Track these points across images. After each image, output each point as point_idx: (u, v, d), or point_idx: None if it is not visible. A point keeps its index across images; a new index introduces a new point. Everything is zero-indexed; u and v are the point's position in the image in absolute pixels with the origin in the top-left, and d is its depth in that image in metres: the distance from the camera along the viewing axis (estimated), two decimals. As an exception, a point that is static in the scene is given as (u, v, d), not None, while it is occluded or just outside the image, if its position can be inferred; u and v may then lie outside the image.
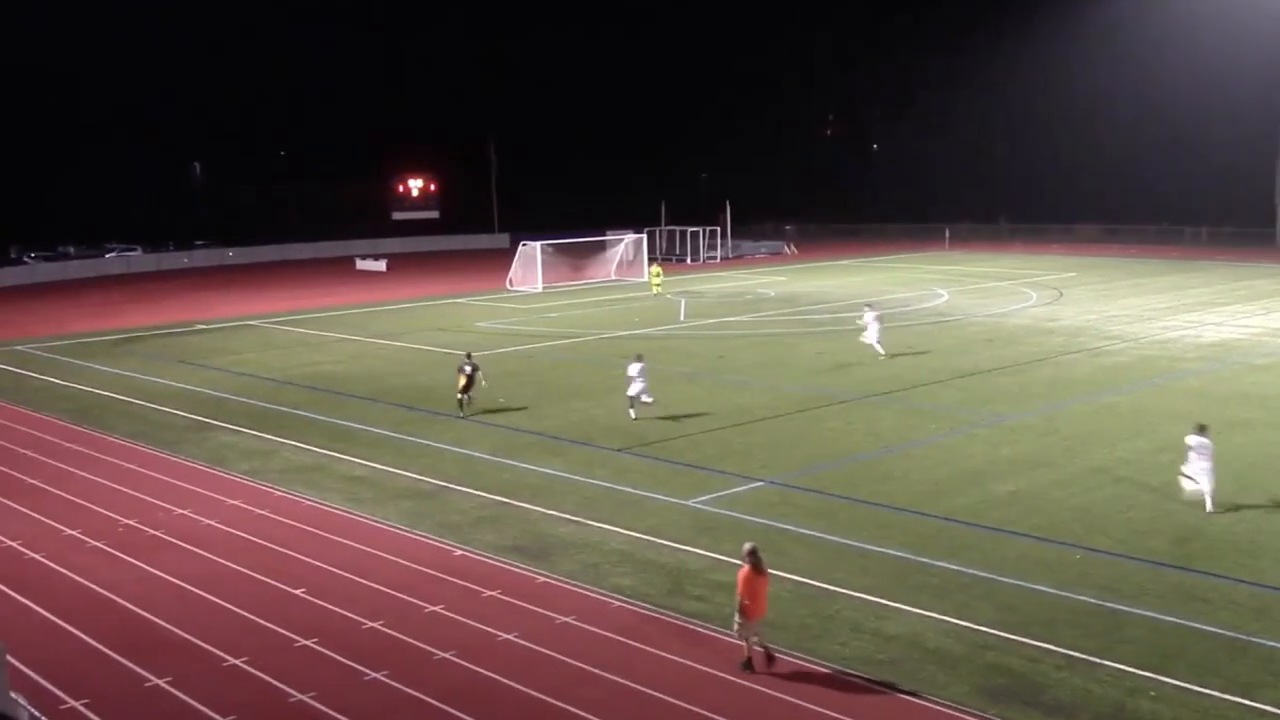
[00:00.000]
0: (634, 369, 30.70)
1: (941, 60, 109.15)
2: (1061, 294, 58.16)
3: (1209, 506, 21.87)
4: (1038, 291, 59.33)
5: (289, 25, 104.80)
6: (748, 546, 16.05)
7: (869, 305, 42.09)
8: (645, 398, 30.47)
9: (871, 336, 39.52)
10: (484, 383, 32.21)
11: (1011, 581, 18.46)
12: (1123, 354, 39.81)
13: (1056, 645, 16.01)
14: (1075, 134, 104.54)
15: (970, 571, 18.95)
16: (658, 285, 62.13)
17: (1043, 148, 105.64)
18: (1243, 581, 18.33)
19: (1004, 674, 15.26)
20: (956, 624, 16.85)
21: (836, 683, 15.18)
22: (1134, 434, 28.15)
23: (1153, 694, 14.57)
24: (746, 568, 15.71)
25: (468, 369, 32.21)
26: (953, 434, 28.63)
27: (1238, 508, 22.09)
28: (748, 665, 15.57)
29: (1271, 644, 15.97)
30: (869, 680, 15.16)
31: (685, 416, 30.96)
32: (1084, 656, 15.66)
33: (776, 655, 15.75)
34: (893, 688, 14.93)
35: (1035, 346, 41.59)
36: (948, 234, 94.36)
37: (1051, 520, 21.56)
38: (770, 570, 16.03)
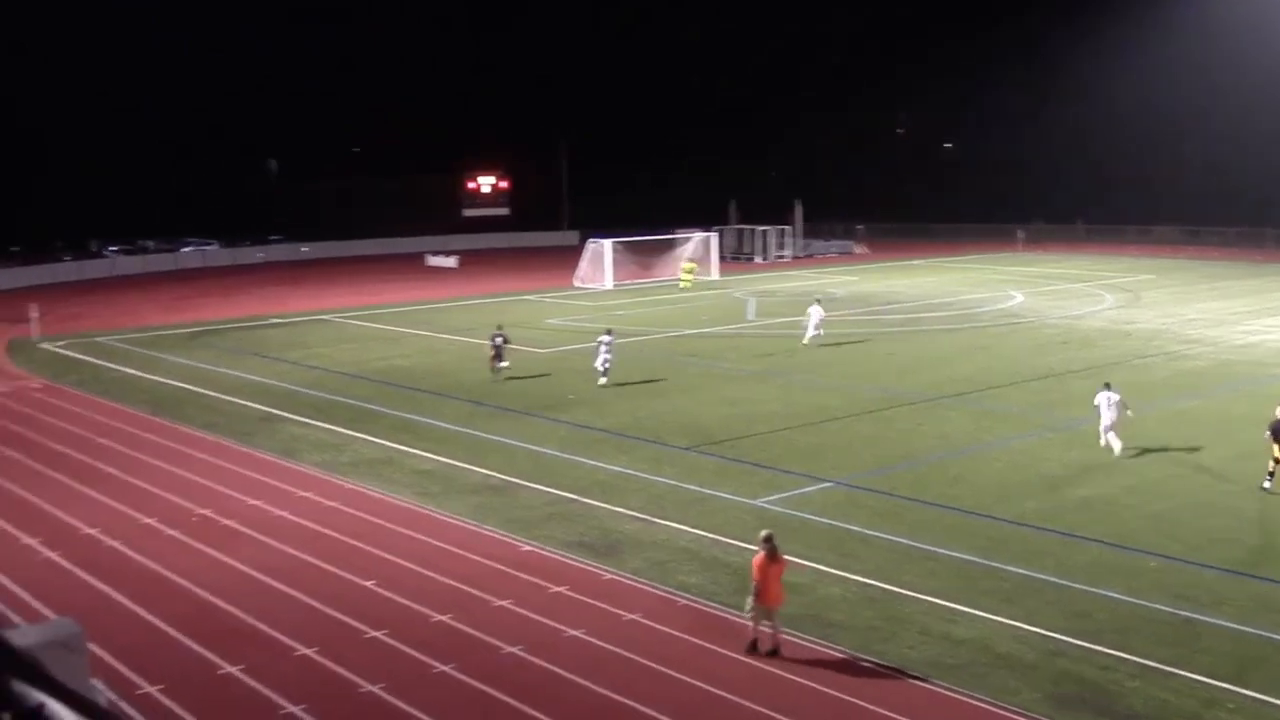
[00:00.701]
0: (604, 340, 35.14)
1: (1017, 59, 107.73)
2: (1138, 296, 57.18)
3: (1117, 451, 25.84)
4: (1114, 294, 58.37)
5: (364, 21, 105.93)
6: (764, 533, 16.62)
7: (817, 300, 44.20)
8: (599, 365, 34.90)
9: (811, 323, 42.29)
10: (509, 344, 36.58)
11: (1084, 588, 18.17)
12: (1201, 358, 39.05)
13: (1130, 654, 15.74)
14: (1153, 133, 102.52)
15: (1042, 577, 18.68)
16: (687, 281, 63.51)
17: (1120, 147, 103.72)
18: (1325, 592, 17.91)
19: (1076, 682, 15.03)
20: (1027, 630, 16.62)
21: (904, 686, 15.04)
22: (1213, 439, 27.58)
23: (1231, 706, 14.27)
24: (761, 554, 16.24)
25: (498, 340, 36.40)
26: (1025, 437, 28.26)
27: (1320, 517, 21.62)
28: (753, 647, 16.12)
29: (1355, 657, 15.58)
30: (937, 684, 15.00)
31: (754, 416, 30.86)
32: (1159, 666, 15.38)
33: (782, 643, 16.11)
34: (962, 692, 14.76)
35: (1111, 349, 40.92)
36: (1022, 234, 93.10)
37: (1126, 526, 21.20)
38: (841, 572, 15.95)
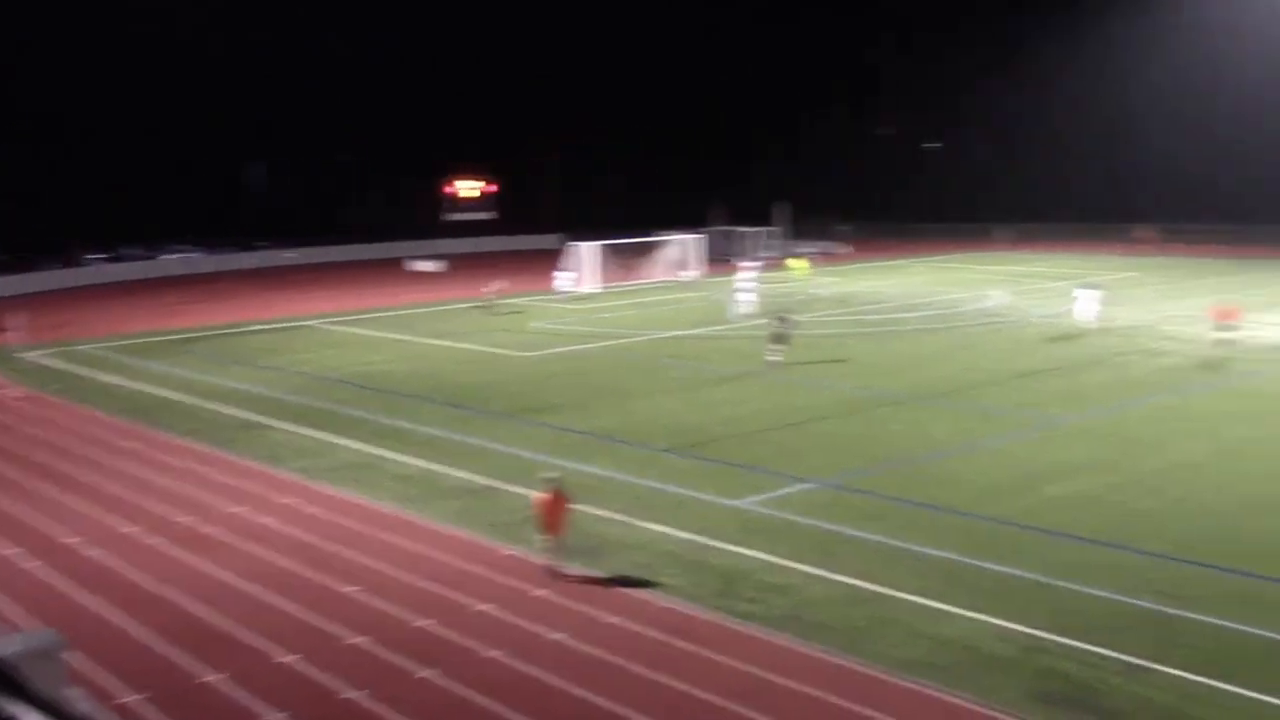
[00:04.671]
0: (747, 268, 54.26)
1: (999, 59, 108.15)
2: (1120, 294, 57.27)
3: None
4: (1096, 292, 58.40)
5: (349, 25, 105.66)
6: (548, 475, 19.77)
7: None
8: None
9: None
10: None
11: (1068, 585, 18.20)
12: (1182, 355, 39.18)
13: (1113, 650, 15.76)
14: (1134, 133, 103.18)
15: (1026, 575, 18.70)
16: (799, 270, 69.74)
17: (1101, 147, 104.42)
18: (1306, 587, 17.98)
19: (1060, 679, 15.04)
20: (1012, 628, 16.63)
21: (888, 687, 15.01)
22: (1193, 436, 27.70)
23: (1211, 701, 14.30)
24: (544, 494, 19.18)
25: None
26: (1008, 436, 28.30)
27: (1301, 512, 21.75)
28: (553, 575, 18.99)
29: (1336, 651, 15.64)
30: (922, 684, 14.99)
31: (738, 417, 30.85)
32: (1141, 662, 15.40)
33: (565, 573, 19.02)
34: (947, 691, 14.75)
35: (1092, 348, 41.03)
36: (1004, 234, 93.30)
37: (1109, 524, 21.24)
38: (826, 572, 15.93)
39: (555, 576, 18.97)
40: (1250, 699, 14.35)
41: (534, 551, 19.53)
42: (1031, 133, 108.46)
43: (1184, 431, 28.21)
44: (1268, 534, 20.52)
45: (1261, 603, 17.38)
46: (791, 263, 72.14)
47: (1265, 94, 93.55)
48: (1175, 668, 15.19)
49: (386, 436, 29.56)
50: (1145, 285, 61.60)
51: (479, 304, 56.87)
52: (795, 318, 38.47)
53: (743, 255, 73.34)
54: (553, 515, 19.10)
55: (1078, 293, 46.77)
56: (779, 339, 37.89)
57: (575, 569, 19.28)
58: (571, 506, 19.77)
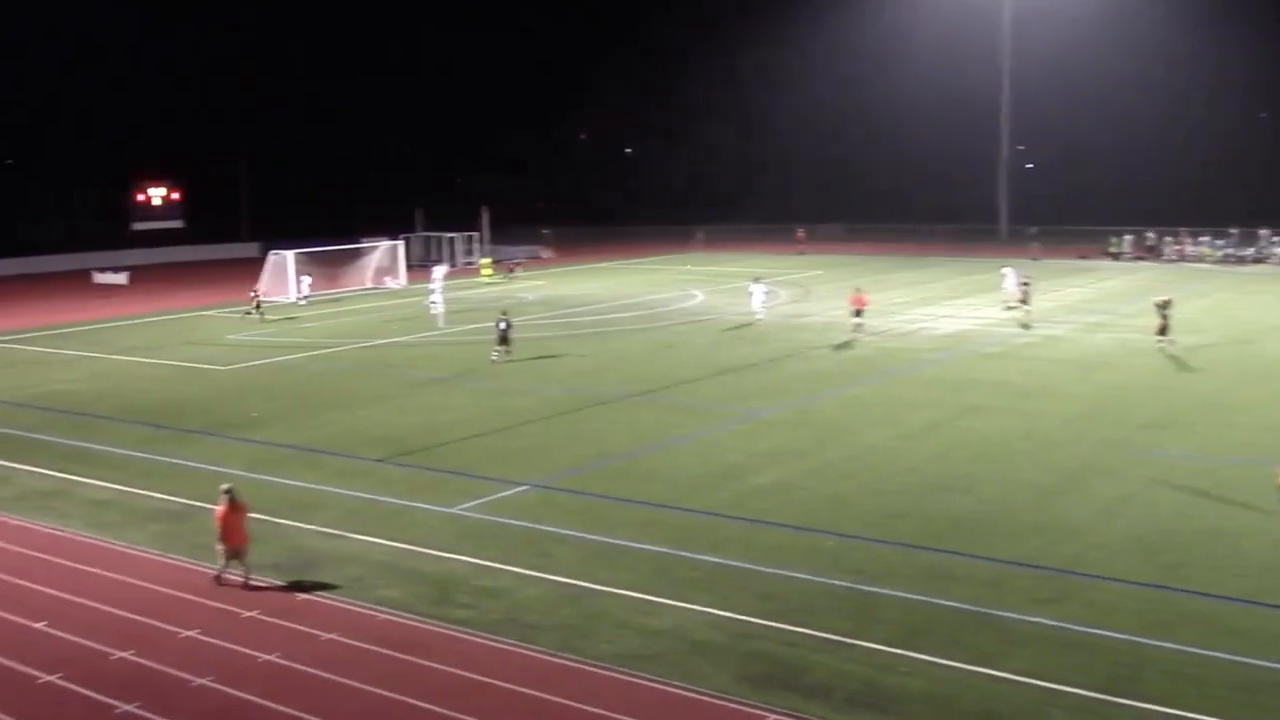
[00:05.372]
0: (438, 271, 55.16)
1: (688, 65, 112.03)
2: (809, 291, 60.35)
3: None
4: (787, 290, 61.31)
5: (18, 24, 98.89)
6: (224, 487, 19.39)
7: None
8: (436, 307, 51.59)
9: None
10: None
11: (771, 570, 19.07)
12: (867, 347, 41.66)
13: (814, 629, 16.63)
14: (816, 138, 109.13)
15: (732, 563, 19.48)
16: (487, 274, 71.37)
17: (786, 151, 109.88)
18: (981, 558, 19.48)
19: (765, 660, 15.75)
20: (720, 615, 17.29)
21: (602, 680, 15.33)
22: (880, 423, 29.52)
23: (903, 669, 15.32)
24: (223, 506, 18.99)
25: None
26: (712, 430, 29.35)
27: (978, 489, 23.50)
28: (218, 582, 19.09)
29: (1008, 615, 17.03)
30: (635, 676, 15.36)
31: (449, 423, 30.72)
32: (839, 638, 16.32)
33: (254, 583, 18.97)
34: (659, 681, 15.19)
35: (786, 343, 43.08)
36: (700, 235, 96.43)
37: (807, 509, 22.39)
38: (539, 573, 16.10)
39: (244, 589, 18.81)
40: (939, 665, 15.44)
41: (216, 565, 19.22)
42: (720, 136, 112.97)
43: (870, 419, 30.04)
44: (949, 511, 22.12)
45: (948, 575, 18.73)
46: (481, 267, 73.53)
47: (942, 105, 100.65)
48: (871, 641, 16.18)
49: (76, 460, 27.87)
50: (831, 282, 64.96)
51: (245, 310, 54.81)
52: (508, 319, 40.03)
53: (439, 261, 73.10)
54: (230, 526, 18.88)
55: (751, 288, 50.22)
56: (504, 339, 39.47)
57: (263, 580, 19.07)
58: (249, 515, 19.44)
